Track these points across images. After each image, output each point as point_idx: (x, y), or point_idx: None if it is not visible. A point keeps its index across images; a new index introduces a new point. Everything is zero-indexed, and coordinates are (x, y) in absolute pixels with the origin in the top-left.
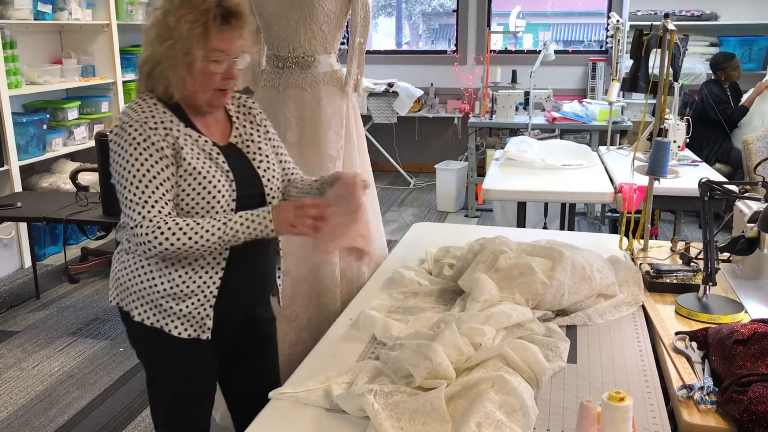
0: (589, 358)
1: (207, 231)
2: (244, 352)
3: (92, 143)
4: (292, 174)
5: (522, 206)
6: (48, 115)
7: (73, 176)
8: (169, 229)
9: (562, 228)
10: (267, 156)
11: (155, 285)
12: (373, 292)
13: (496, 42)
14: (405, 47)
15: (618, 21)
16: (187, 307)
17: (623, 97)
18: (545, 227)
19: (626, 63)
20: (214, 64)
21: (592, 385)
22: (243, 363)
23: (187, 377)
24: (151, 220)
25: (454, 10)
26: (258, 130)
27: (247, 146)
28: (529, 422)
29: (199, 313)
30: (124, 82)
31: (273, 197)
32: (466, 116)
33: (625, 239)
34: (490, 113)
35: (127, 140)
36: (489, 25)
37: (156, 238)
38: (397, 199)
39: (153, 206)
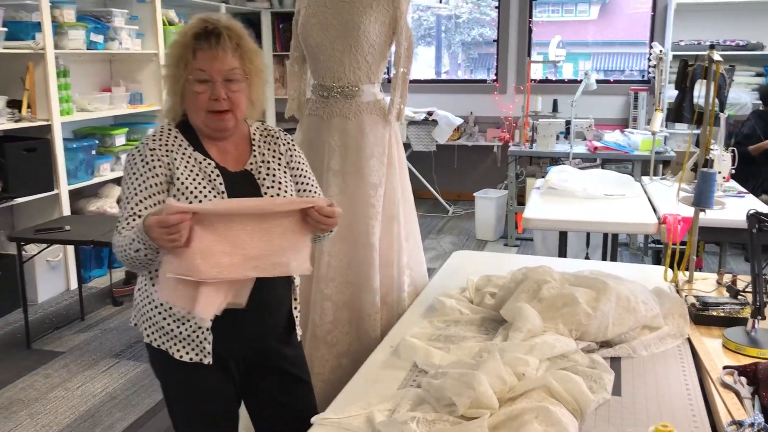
0: (634, 390)
1: (125, 238)
2: (271, 387)
3: None
4: None
5: (563, 236)
6: (97, 141)
7: (120, 201)
8: (115, 239)
9: (604, 258)
10: (280, 183)
11: (157, 306)
12: (413, 319)
13: (536, 71)
14: (444, 76)
15: (661, 51)
16: (186, 329)
17: (666, 127)
18: (587, 257)
19: (669, 93)
20: (198, 83)
21: (638, 418)
22: (270, 398)
23: (197, 400)
24: (119, 232)
25: (494, 40)
26: (279, 159)
27: (260, 173)
28: None
29: (197, 336)
30: None
31: None
32: (506, 145)
33: (669, 271)
34: (531, 142)
35: (129, 163)
36: (529, 55)
37: (113, 246)
38: (435, 226)
39: (128, 221)
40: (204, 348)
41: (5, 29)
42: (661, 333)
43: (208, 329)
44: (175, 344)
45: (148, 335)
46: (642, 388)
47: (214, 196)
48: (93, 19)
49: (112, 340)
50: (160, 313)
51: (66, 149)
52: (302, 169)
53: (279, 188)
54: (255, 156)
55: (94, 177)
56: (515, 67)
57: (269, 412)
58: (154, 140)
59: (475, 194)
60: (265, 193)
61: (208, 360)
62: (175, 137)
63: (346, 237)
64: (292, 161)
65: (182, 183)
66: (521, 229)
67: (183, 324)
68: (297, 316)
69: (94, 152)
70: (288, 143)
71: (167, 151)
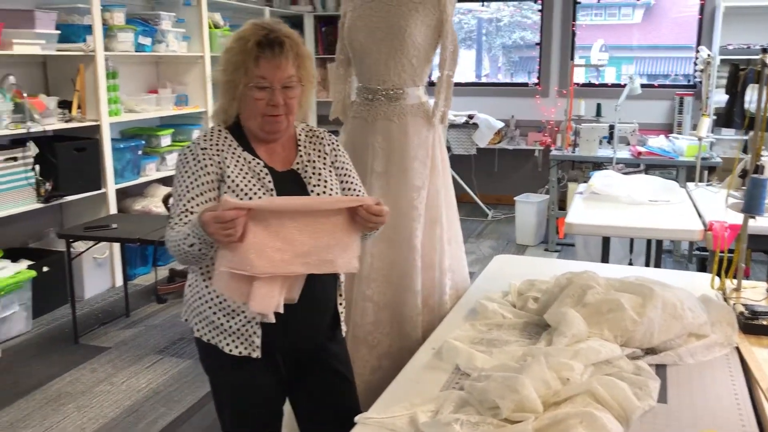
0: (680, 398)
1: (179, 234)
2: (316, 383)
3: None
4: None
5: (606, 241)
6: (143, 142)
7: (165, 200)
8: (168, 235)
9: (647, 265)
10: (326, 182)
11: (208, 301)
12: (455, 322)
13: (578, 75)
14: (483, 79)
15: (708, 55)
16: (236, 323)
17: (712, 132)
18: (630, 263)
19: (716, 98)
20: (257, 90)
21: (684, 427)
22: (315, 394)
23: (245, 394)
24: (172, 228)
25: (537, 43)
26: (324, 159)
27: (310, 173)
28: None
29: (246, 330)
30: None
31: None
32: (548, 149)
33: (717, 278)
34: (573, 146)
35: (181, 161)
36: (572, 58)
37: (166, 242)
38: (475, 230)
39: (180, 217)
40: (253, 342)
41: (58, 32)
42: (709, 341)
43: (257, 323)
44: (224, 338)
45: (198, 330)
46: (688, 396)
47: (264, 195)
48: (141, 22)
49: (157, 337)
50: (210, 308)
51: (114, 149)
52: (347, 169)
53: (325, 187)
54: (301, 156)
55: (140, 177)
56: (558, 71)
57: (313, 408)
58: (205, 140)
59: (515, 198)
60: (312, 192)
61: (256, 354)
62: (225, 137)
63: (388, 238)
64: (336, 161)
65: (233, 181)
66: (562, 235)
67: (233, 318)
68: (342, 312)
69: (140, 152)
70: (332, 143)
71: (218, 150)
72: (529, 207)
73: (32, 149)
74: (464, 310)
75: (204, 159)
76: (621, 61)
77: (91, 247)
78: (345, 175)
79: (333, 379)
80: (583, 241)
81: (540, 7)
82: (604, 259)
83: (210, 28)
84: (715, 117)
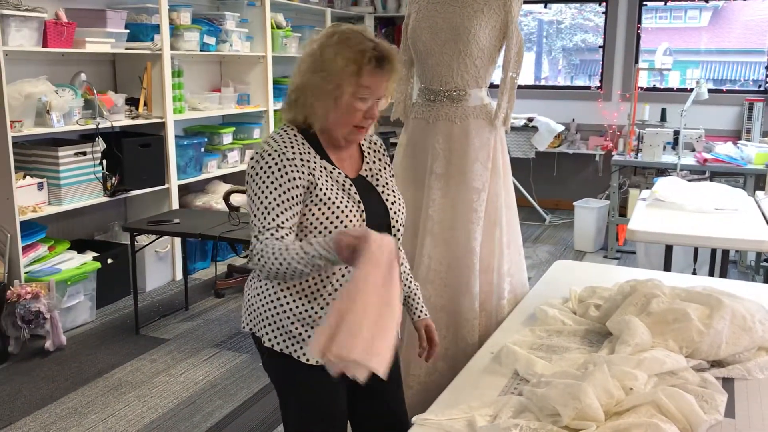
0: (750, 414)
1: (289, 251)
2: (369, 388)
3: (244, 167)
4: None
5: (669, 250)
6: (206, 139)
7: (226, 197)
8: (263, 249)
9: (711, 275)
10: (394, 191)
11: (286, 311)
12: (514, 327)
13: (641, 79)
14: (542, 82)
15: None
16: (313, 333)
17: None
18: (694, 273)
19: None
20: (359, 101)
21: None
22: (368, 399)
23: (317, 404)
24: (261, 242)
25: (600, 46)
26: (385, 168)
27: (377, 180)
28: None
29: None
30: (275, 111)
31: (398, 229)
32: (609, 154)
33: None
34: (636, 151)
35: (263, 168)
36: (637, 62)
37: (256, 255)
38: (532, 235)
39: (271, 231)
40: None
41: (127, 31)
42: None
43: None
44: (302, 347)
45: (269, 339)
46: (758, 412)
47: (350, 204)
48: (206, 22)
49: (214, 331)
50: (288, 318)
51: (177, 146)
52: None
53: (394, 194)
54: (367, 163)
55: (202, 173)
56: (621, 74)
57: (363, 413)
58: (290, 147)
59: (575, 203)
60: (387, 199)
61: None
62: (302, 143)
63: (447, 240)
64: (390, 171)
65: (324, 193)
66: (622, 242)
67: (312, 327)
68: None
69: (202, 150)
70: (387, 155)
71: (305, 161)
72: (588, 212)
73: (100, 144)
74: (523, 316)
75: (292, 171)
76: (686, 65)
77: (153, 241)
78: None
79: (387, 384)
80: (645, 249)
81: (604, 9)
82: (667, 267)
83: (272, 28)
84: None
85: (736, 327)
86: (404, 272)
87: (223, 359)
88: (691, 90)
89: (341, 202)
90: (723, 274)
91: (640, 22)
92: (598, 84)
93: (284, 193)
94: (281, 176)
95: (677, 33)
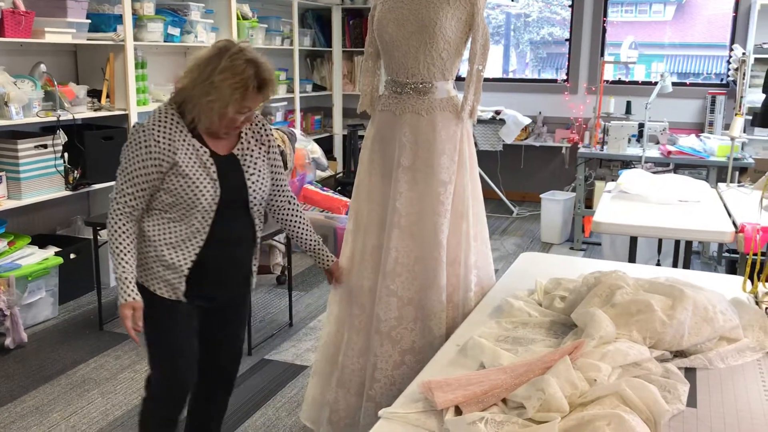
0: (711, 403)
1: (119, 253)
2: (223, 312)
3: None
4: (291, 201)
5: (634, 241)
6: None
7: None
8: (112, 224)
9: (675, 266)
10: (260, 171)
11: (150, 254)
12: (480, 319)
13: (607, 72)
14: (510, 75)
15: (743, 53)
16: (169, 275)
17: (744, 132)
18: (658, 264)
19: (750, 97)
20: (240, 115)
21: (714, 431)
22: (221, 333)
23: (171, 329)
24: (117, 207)
25: (566, 39)
26: (260, 149)
27: (246, 159)
28: None
29: (175, 280)
30: None
31: (254, 205)
32: (575, 146)
33: (749, 282)
34: (602, 144)
35: (132, 142)
36: (602, 55)
37: (108, 222)
38: (499, 227)
39: (125, 199)
40: (179, 289)
41: (89, 21)
42: (740, 345)
43: (184, 275)
44: (158, 283)
45: (140, 277)
46: (719, 401)
47: (209, 182)
48: (171, 13)
49: None
50: (152, 258)
51: None
52: (278, 166)
53: (258, 174)
54: (242, 143)
55: None
56: (587, 67)
57: (215, 343)
58: (160, 130)
59: (541, 196)
60: (249, 178)
61: (183, 299)
62: (177, 123)
63: (414, 233)
64: (269, 154)
65: (182, 168)
66: (588, 233)
67: (167, 270)
68: (254, 272)
69: None
70: (269, 136)
71: (170, 140)
72: (555, 205)
73: (61, 137)
74: (489, 308)
75: (156, 152)
76: (651, 59)
77: None
78: (277, 171)
79: (235, 325)
80: (610, 241)
81: (570, 2)
82: (631, 259)
83: (238, 19)
84: (749, 117)
85: (698, 318)
86: (300, 219)
87: None
88: (656, 83)
89: (197, 179)
90: (686, 265)
91: (606, 15)
92: (565, 77)
93: (143, 169)
94: (145, 153)
95: (642, 27)
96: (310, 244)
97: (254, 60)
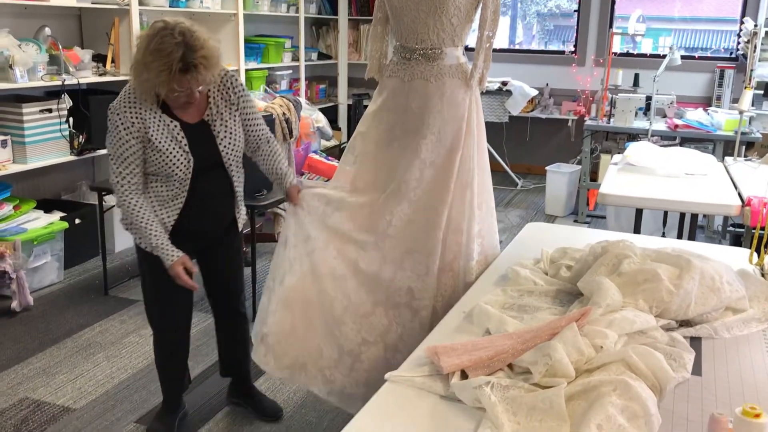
0: (716, 371)
1: (143, 227)
2: (215, 263)
3: None
4: (269, 141)
5: (639, 214)
6: None
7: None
8: (123, 203)
9: (679, 239)
10: (231, 132)
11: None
12: (486, 287)
13: (614, 45)
14: (516, 47)
15: (755, 26)
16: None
17: (753, 105)
18: (663, 237)
19: (761, 71)
20: (175, 94)
21: (719, 400)
22: (216, 271)
23: (160, 279)
24: (121, 189)
25: (575, 11)
26: (231, 109)
27: (216, 124)
28: (651, 430)
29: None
30: (246, 70)
31: (230, 165)
32: (582, 119)
33: (755, 254)
34: (608, 117)
35: (110, 125)
36: (611, 27)
37: (119, 205)
38: (504, 199)
39: (121, 183)
40: (167, 230)
41: None
42: (746, 316)
43: (168, 231)
44: None
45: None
46: (724, 369)
47: (181, 154)
48: None
49: None
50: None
51: None
52: (251, 112)
53: (230, 137)
54: (210, 108)
55: None
56: (595, 39)
57: (212, 281)
58: (129, 108)
59: (547, 168)
60: (219, 144)
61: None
62: (145, 100)
63: (412, 199)
64: (242, 107)
65: (154, 144)
66: (593, 206)
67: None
68: (239, 217)
69: None
70: (236, 89)
71: (141, 118)
72: (560, 177)
73: (66, 102)
74: (494, 276)
75: (132, 130)
76: (659, 33)
77: None
78: (251, 118)
79: (227, 261)
80: (615, 213)
81: None
82: (636, 231)
83: None
84: (759, 91)
85: (704, 287)
86: (273, 155)
87: (194, 320)
88: (664, 56)
89: (170, 152)
90: (691, 238)
91: None
92: (573, 49)
93: (125, 149)
94: (121, 134)
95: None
96: (277, 168)
97: (185, 43)
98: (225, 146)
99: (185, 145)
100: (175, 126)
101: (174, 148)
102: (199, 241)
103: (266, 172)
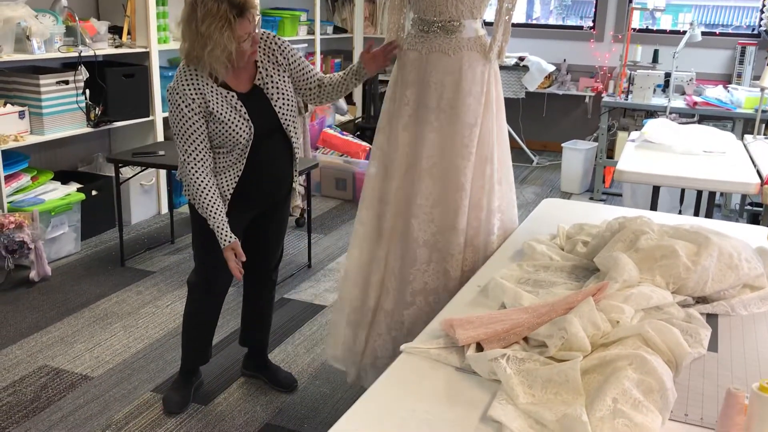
0: (732, 348)
1: (208, 207)
2: (265, 215)
3: None
4: (322, 79)
5: (656, 191)
6: None
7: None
8: (191, 185)
9: (696, 217)
10: (284, 94)
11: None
12: (502, 262)
13: (633, 20)
14: (534, 22)
15: None
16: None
17: None
18: (680, 214)
19: None
20: (244, 43)
21: (735, 376)
22: (265, 218)
23: (213, 244)
24: (190, 168)
25: None
26: (279, 70)
27: (268, 87)
28: (667, 405)
29: (224, 186)
30: None
31: (288, 126)
32: (599, 95)
33: None
34: (626, 93)
35: (171, 106)
36: (631, 1)
37: (186, 186)
38: (519, 176)
39: (186, 151)
40: (227, 198)
41: None
42: (764, 293)
43: (228, 197)
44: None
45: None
46: (740, 346)
47: (242, 122)
48: None
49: None
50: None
51: (162, 77)
52: (297, 60)
53: (284, 98)
54: (260, 72)
55: None
56: (614, 15)
57: (261, 239)
58: (187, 86)
59: (563, 145)
60: (275, 106)
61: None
62: (201, 76)
63: (434, 176)
64: (289, 60)
65: (217, 116)
66: (609, 183)
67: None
68: (295, 183)
69: None
70: (280, 47)
71: (201, 93)
72: (576, 154)
73: (83, 73)
74: (510, 251)
75: (193, 107)
76: (679, 9)
77: (138, 173)
78: (298, 65)
79: (277, 224)
80: (631, 191)
81: None
82: (653, 209)
83: None
84: None
85: (722, 264)
86: (332, 81)
87: None
88: (684, 32)
89: (233, 122)
90: (708, 216)
91: None
92: (591, 24)
93: (189, 126)
94: (184, 113)
95: None
96: (350, 75)
97: None
98: (280, 107)
99: (245, 113)
100: (233, 96)
101: (235, 118)
102: (263, 206)
103: (346, 90)
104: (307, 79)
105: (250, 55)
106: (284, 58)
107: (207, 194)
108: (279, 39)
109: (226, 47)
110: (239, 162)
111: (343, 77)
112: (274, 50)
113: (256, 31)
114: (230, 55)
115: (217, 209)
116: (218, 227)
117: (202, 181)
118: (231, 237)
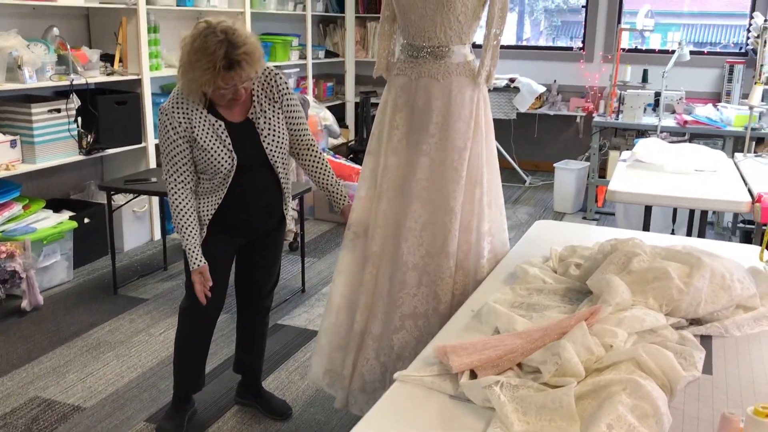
0: (726, 370)
1: (184, 226)
2: (258, 252)
3: None
4: (309, 148)
5: (648, 210)
6: None
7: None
8: (172, 200)
9: (689, 236)
10: (275, 130)
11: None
12: (494, 285)
13: (623, 40)
14: (524, 43)
15: (765, 20)
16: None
17: (763, 101)
18: (673, 233)
19: None
20: (222, 91)
21: (730, 399)
22: (256, 260)
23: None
24: (171, 186)
25: (583, 6)
26: (274, 107)
27: (260, 122)
28: (662, 430)
29: (201, 224)
30: None
31: (275, 161)
32: (590, 115)
33: (766, 251)
34: (617, 113)
35: (160, 125)
36: (620, 22)
37: (169, 200)
38: (512, 196)
39: (173, 178)
40: (202, 235)
41: None
42: (757, 314)
43: (206, 225)
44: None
45: None
46: (735, 368)
47: (226, 153)
48: None
49: None
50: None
51: (154, 104)
52: (296, 115)
53: (274, 134)
54: (254, 107)
55: None
56: (603, 35)
57: (250, 269)
58: (177, 109)
59: (555, 165)
60: (264, 141)
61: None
62: (192, 101)
63: (424, 199)
64: (284, 106)
65: (200, 143)
66: (601, 203)
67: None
68: (287, 214)
69: None
70: (280, 88)
71: (187, 118)
72: (568, 174)
73: (75, 101)
74: (503, 274)
75: (179, 130)
76: (668, 28)
77: (131, 200)
78: (295, 121)
79: (270, 253)
80: (624, 210)
81: None
82: (645, 228)
83: None
84: None
85: (715, 285)
86: (318, 162)
87: None
88: (673, 52)
89: (215, 151)
90: (701, 235)
91: None
92: (580, 45)
93: (174, 147)
94: (170, 134)
95: None
96: (326, 185)
97: (227, 40)
98: (269, 144)
99: (229, 144)
100: (220, 125)
101: (218, 147)
102: (251, 234)
103: (316, 184)
104: (297, 137)
105: (234, 102)
106: (280, 96)
107: (183, 215)
108: (280, 78)
109: (202, 86)
110: (220, 189)
111: (322, 182)
112: (272, 86)
113: (245, 85)
114: (204, 95)
115: (191, 231)
116: (190, 249)
117: (180, 203)
118: (201, 261)
